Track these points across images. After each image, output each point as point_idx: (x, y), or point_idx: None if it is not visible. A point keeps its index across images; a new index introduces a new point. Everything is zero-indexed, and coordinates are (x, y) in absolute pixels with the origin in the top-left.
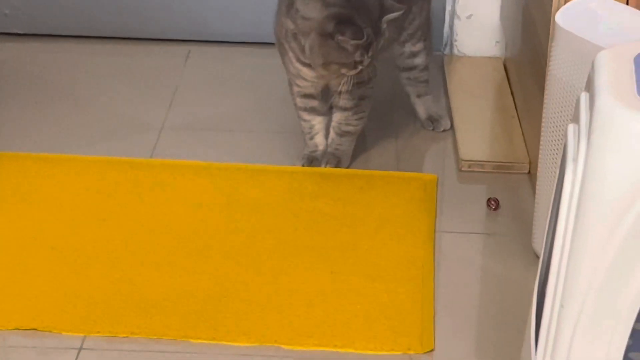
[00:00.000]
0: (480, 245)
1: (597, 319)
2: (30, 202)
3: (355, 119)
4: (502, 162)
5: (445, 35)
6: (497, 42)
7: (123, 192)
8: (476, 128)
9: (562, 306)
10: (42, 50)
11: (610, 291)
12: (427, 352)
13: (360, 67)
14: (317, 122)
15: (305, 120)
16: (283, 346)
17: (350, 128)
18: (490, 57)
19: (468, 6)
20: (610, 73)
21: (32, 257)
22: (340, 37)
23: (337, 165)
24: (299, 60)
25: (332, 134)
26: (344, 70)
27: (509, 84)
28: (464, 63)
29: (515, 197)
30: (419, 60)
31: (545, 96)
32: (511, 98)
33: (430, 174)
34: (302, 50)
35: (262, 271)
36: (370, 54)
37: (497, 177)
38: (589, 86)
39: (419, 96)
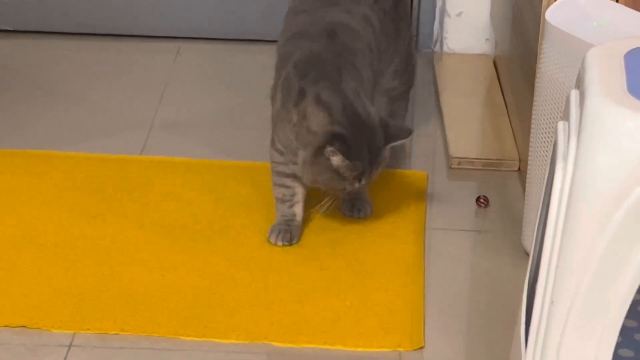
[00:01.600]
0: (470, 242)
1: (587, 316)
2: (20, 199)
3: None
4: (492, 159)
5: (435, 32)
6: (487, 39)
7: (113, 189)
8: (466, 125)
9: (552, 303)
10: (31, 47)
11: (600, 288)
12: (417, 349)
13: (349, 189)
14: (300, 190)
15: (287, 187)
16: (273, 343)
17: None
18: (480, 55)
19: (458, 3)
20: (600, 70)
21: (21, 254)
22: (329, 149)
23: (365, 215)
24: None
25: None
26: (331, 190)
27: (499, 81)
28: (453, 60)
29: (505, 195)
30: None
31: (535, 93)
32: (501, 95)
33: (420, 171)
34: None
35: (251, 268)
36: (363, 182)
37: (486, 174)
38: (579, 83)
39: None
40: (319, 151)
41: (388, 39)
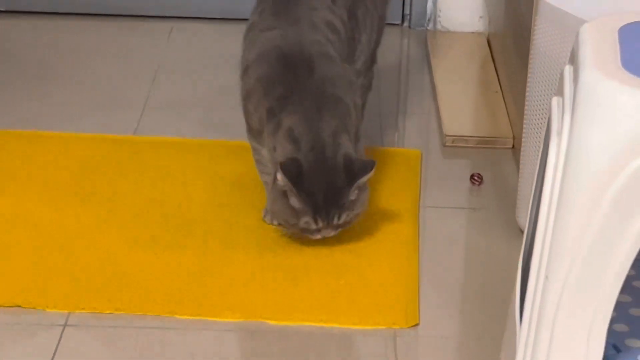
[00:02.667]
0: (464, 220)
1: (581, 291)
2: (13, 180)
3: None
4: (485, 137)
5: (428, 10)
6: (480, 17)
7: (106, 169)
8: (460, 103)
9: (546, 278)
10: (23, 27)
11: (594, 263)
12: (412, 326)
13: (317, 236)
14: None
15: (270, 174)
16: (268, 321)
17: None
18: (473, 32)
19: None
20: (594, 45)
21: (15, 235)
22: (277, 175)
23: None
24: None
25: None
26: (292, 232)
27: (493, 59)
28: (447, 38)
29: (499, 172)
30: None
31: (529, 70)
32: (495, 73)
33: (414, 149)
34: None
35: (246, 247)
36: (319, 224)
37: (480, 152)
38: (573, 59)
39: None
40: (275, 177)
41: (352, 41)
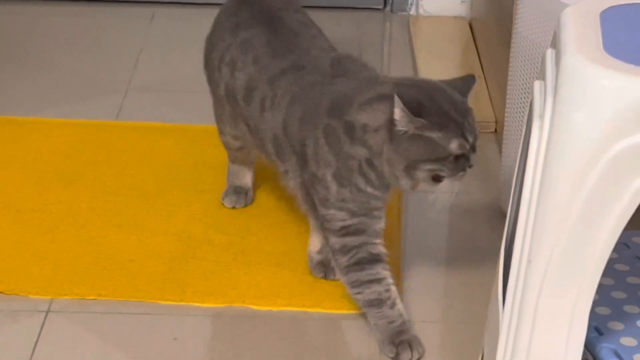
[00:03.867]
0: (446, 204)
1: (563, 275)
2: None
3: None
4: None
5: None
6: (462, 1)
7: (89, 154)
8: None
9: (529, 262)
10: (3, 12)
11: (576, 246)
12: None
13: (467, 166)
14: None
15: (379, 281)
16: (251, 306)
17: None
18: (455, 17)
19: None
20: (576, 29)
21: None
22: (398, 119)
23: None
24: (373, 186)
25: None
26: (444, 173)
27: (475, 43)
28: (429, 23)
29: (482, 156)
30: None
31: (511, 54)
32: (477, 57)
33: None
34: (379, 176)
35: (229, 231)
36: (469, 138)
37: None
38: (555, 43)
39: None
40: (392, 133)
41: None
